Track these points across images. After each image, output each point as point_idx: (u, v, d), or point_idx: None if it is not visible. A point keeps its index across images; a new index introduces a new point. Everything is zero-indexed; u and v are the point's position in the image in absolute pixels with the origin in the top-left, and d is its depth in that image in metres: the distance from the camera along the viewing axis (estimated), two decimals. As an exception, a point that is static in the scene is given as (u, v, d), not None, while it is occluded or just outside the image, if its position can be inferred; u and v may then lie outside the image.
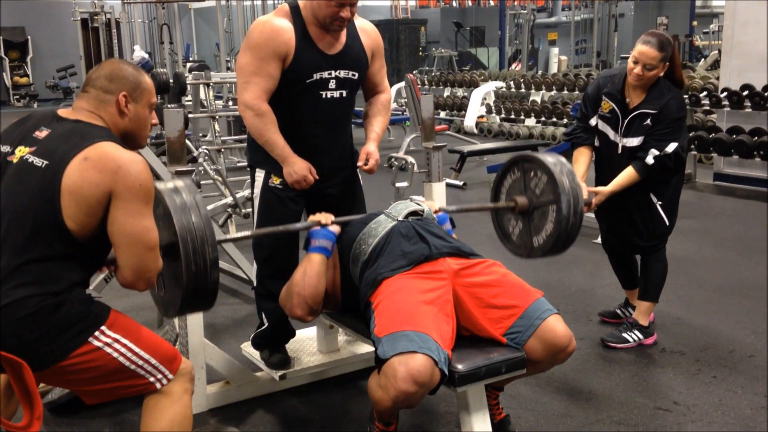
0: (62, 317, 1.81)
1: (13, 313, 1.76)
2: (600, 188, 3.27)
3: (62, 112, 1.98)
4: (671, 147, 3.15)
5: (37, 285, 1.79)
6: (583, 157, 3.38)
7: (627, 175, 3.21)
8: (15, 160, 1.88)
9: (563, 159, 2.64)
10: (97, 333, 1.86)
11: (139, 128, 2.03)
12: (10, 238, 1.81)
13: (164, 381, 1.97)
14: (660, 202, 3.28)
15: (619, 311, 3.69)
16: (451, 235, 2.60)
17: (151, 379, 1.94)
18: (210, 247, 1.93)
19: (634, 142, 3.22)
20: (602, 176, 3.37)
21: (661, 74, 3.17)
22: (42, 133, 1.90)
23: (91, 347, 1.84)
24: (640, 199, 3.28)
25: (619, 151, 3.28)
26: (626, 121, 3.24)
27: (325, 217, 2.49)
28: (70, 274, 1.84)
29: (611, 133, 3.30)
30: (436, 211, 2.63)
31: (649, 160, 3.15)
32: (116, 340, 1.88)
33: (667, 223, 3.32)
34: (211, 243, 1.94)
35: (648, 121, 3.18)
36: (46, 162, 1.83)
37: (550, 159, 2.62)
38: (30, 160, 1.85)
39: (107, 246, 1.89)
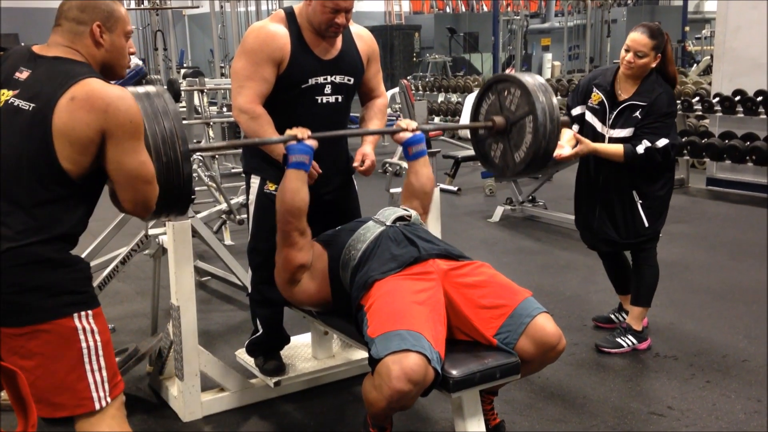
0: (65, 277, 1.81)
1: (17, 257, 1.75)
2: (585, 140, 3.26)
3: (37, 48, 1.93)
4: (662, 142, 3.17)
5: (41, 230, 1.78)
6: (565, 132, 3.38)
7: (614, 148, 3.21)
8: None
9: (536, 75, 2.70)
10: (82, 313, 1.83)
11: (116, 58, 1.98)
12: (6, 183, 1.80)
13: (103, 402, 1.88)
14: (641, 202, 3.29)
15: (612, 316, 3.70)
16: (425, 155, 2.69)
17: (94, 395, 1.86)
18: (180, 141, 1.96)
19: (622, 133, 3.24)
20: (586, 167, 3.39)
21: (653, 65, 3.19)
22: (23, 75, 1.86)
23: (71, 324, 1.81)
24: (623, 195, 3.30)
25: (606, 142, 3.29)
26: (615, 113, 3.25)
27: (301, 132, 2.50)
28: (70, 216, 1.84)
29: (598, 125, 3.32)
30: (413, 130, 2.68)
31: (640, 149, 3.16)
32: (92, 332, 1.85)
33: (646, 225, 3.30)
34: (182, 137, 1.97)
35: (637, 113, 3.20)
36: (32, 105, 1.80)
37: (522, 75, 2.67)
38: (16, 104, 1.82)
39: (101, 182, 1.90)
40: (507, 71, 15.98)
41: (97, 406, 1.87)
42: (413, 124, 2.71)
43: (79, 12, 1.91)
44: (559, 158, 3.25)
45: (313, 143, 2.50)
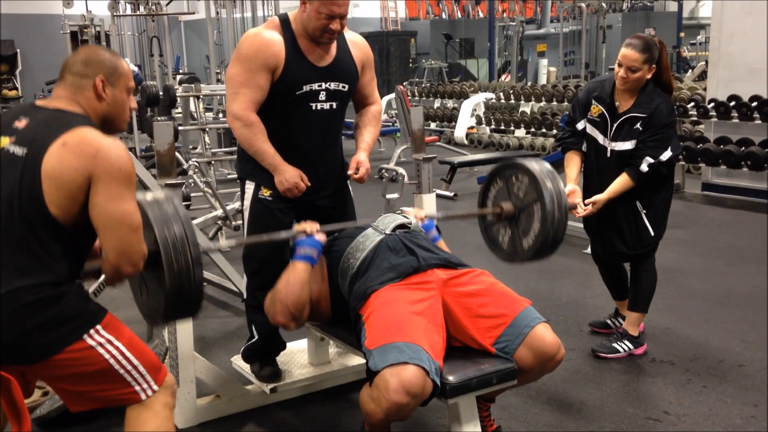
0: (61, 310, 1.82)
1: (11, 302, 1.77)
2: (596, 197, 3.27)
3: (40, 102, 1.98)
4: (665, 155, 3.17)
5: (32, 275, 1.79)
6: (573, 161, 3.41)
7: (622, 181, 3.22)
8: None
9: (542, 161, 2.71)
10: (92, 331, 1.86)
11: (117, 112, 2.01)
12: (2, 228, 1.81)
13: (149, 392, 1.96)
14: (645, 212, 3.29)
15: (609, 321, 3.69)
16: (438, 242, 2.61)
17: (137, 387, 1.94)
18: (191, 246, 1.93)
19: (624, 146, 3.24)
20: (590, 180, 3.39)
21: (648, 77, 3.19)
22: (21, 123, 1.89)
23: (85, 345, 1.84)
24: (627, 207, 3.30)
25: (608, 155, 3.29)
26: (615, 125, 3.25)
27: (310, 226, 2.49)
28: (61, 264, 1.84)
29: (600, 137, 3.32)
30: (422, 219, 2.65)
31: (644, 167, 3.17)
32: (109, 341, 1.88)
33: (652, 234, 3.31)
34: (192, 242, 1.94)
35: (638, 125, 3.20)
36: (25, 150, 1.82)
37: (529, 162, 2.68)
38: (11, 150, 1.84)
39: (93, 233, 1.89)
40: (503, 77, 16.02)
41: (144, 396, 1.95)
42: (421, 213, 2.68)
43: (83, 66, 1.96)
44: (577, 215, 3.29)
45: (321, 238, 2.48)
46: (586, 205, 3.28)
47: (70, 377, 1.87)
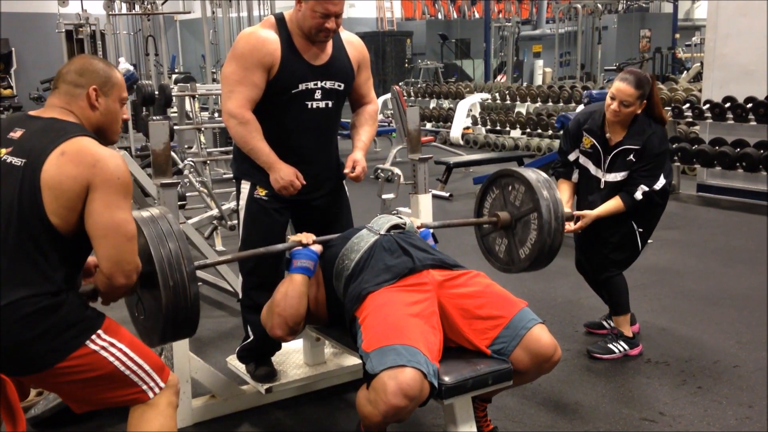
0: (61, 318, 1.82)
1: (12, 313, 1.77)
2: (586, 212, 3.31)
3: (34, 112, 1.99)
4: (659, 184, 3.24)
5: (31, 285, 1.80)
6: (564, 187, 3.46)
7: (614, 204, 3.27)
8: None
9: (539, 170, 2.71)
10: (93, 336, 1.87)
11: (110, 122, 2.03)
12: (2, 238, 1.82)
13: (156, 389, 1.97)
14: (640, 230, 3.35)
15: (604, 322, 3.70)
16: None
17: (144, 387, 1.95)
18: (186, 262, 1.94)
19: (617, 177, 3.29)
20: (583, 208, 3.41)
21: (638, 111, 3.23)
22: (17, 134, 1.90)
23: (88, 350, 1.85)
24: (621, 224, 3.33)
25: (602, 186, 3.34)
26: (609, 158, 3.30)
27: (306, 237, 2.49)
28: (59, 274, 1.85)
29: (592, 168, 3.37)
30: (418, 227, 2.64)
31: (638, 195, 3.22)
32: (112, 344, 1.89)
33: (640, 249, 3.39)
34: (187, 257, 1.94)
35: (631, 157, 3.25)
36: (23, 160, 1.83)
37: (525, 171, 2.68)
38: (8, 161, 1.85)
39: (89, 243, 1.89)
40: (498, 78, 16.03)
41: (151, 395, 1.96)
42: (418, 222, 2.69)
43: (77, 76, 1.97)
44: (567, 231, 3.28)
45: (317, 248, 2.49)
46: (576, 220, 3.32)
47: (77, 383, 1.88)
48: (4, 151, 1.88)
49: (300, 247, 2.46)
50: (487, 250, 2.89)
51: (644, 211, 3.32)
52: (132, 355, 1.92)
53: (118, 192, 1.83)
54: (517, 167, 2.76)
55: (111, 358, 1.88)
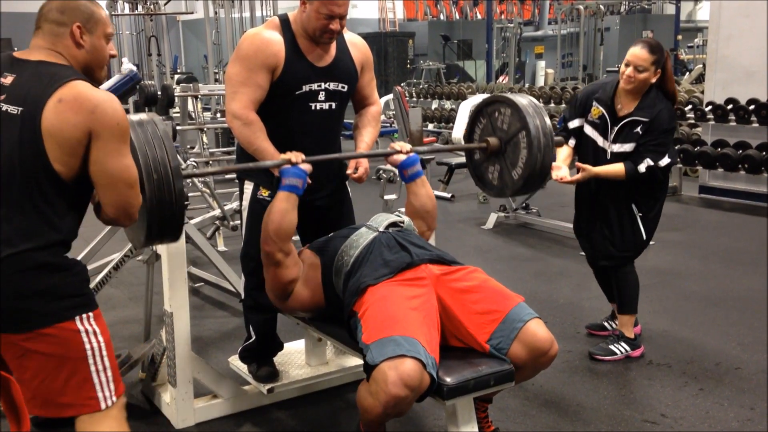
0: (63, 281, 1.81)
1: (16, 264, 1.76)
2: (587, 166, 3.28)
3: (19, 53, 1.94)
4: (664, 161, 3.20)
5: (38, 235, 1.79)
6: (563, 148, 3.43)
7: (616, 168, 3.23)
8: None
9: (525, 94, 2.76)
10: (84, 315, 1.85)
11: (97, 59, 1.98)
12: (2, 189, 1.80)
13: (109, 401, 1.90)
14: (641, 214, 3.31)
15: (606, 324, 3.70)
16: (421, 177, 2.70)
17: (99, 394, 1.88)
18: (171, 158, 2.01)
19: (623, 148, 3.25)
20: (587, 182, 3.38)
21: (653, 80, 3.19)
22: (7, 80, 1.86)
23: (74, 327, 1.83)
24: (622, 209, 3.31)
25: (608, 156, 3.30)
26: (617, 129, 3.26)
27: (295, 156, 2.52)
28: (65, 221, 1.84)
29: (599, 139, 3.33)
30: (408, 152, 2.69)
31: (642, 168, 3.18)
32: (95, 333, 1.86)
33: (645, 237, 3.34)
34: (172, 155, 2.02)
35: (638, 129, 3.21)
36: (20, 108, 1.81)
37: (510, 94, 2.72)
38: (4, 108, 1.83)
39: (91, 188, 1.89)
40: (500, 79, 16.02)
41: (103, 406, 1.89)
42: (407, 147, 2.72)
43: (59, 14, 1.91)
44: (560, 181, 3.31)
45: (307, 167, 2.52)
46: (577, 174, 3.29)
47: (44, 357, 1.82)
48: None
49: (289, 165, 2.49)
50: (480, 179, 2.92)
51: (643, 193, 3.28)
52: (105, 353, 1.88)
53: (118, 138, 1.83)
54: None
55: (87, 346, 1.84)
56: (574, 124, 3.42)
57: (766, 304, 4.05)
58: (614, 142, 3.27)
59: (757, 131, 6.51)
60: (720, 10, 6.94)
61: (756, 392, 3.08)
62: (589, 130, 3.37)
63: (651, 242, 3.47)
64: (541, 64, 17.62)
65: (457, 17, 22.13)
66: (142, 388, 3.14)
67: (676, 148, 6.74)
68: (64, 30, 1.90)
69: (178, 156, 5.09)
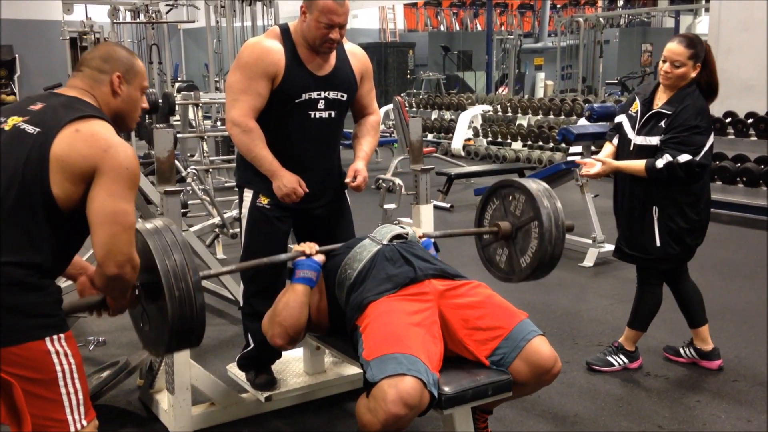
0: (37, 301, 1.79)
1: None
2: (608, 159, 3.27)
3: (58, 90, 2.00)
4: (683, 158, 3.07)
5: (19, 252, 1.78)
6: (606, 145, 3.44)
7: (636, 164, 3.17)
8: (7, 128, 1.89)
9: (539, 180, 2.73)
10: (55, 337, 1.81)
11: (130, 109, 2.04)
12: (1, 201, 1.80)
13: (78, 425, 1.86)
14: (659, 219, 3.20)
15: (681, 350, 3.56)
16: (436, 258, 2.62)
17: (69, 417, 1.84)
18: (191, 272, 1.92)
19: (646, 141, 3.19)
20: (622, 176, 3.34)
21: (693, 75, 3.14)
22: (36, 107, 1.91)
23: (43, 348, 1.79)
24: (644, 207, 3.23)
25: (631, 148, 3.26)
26: (643, 120, 3.23)
27: (309, 248, 2.49)
28: (47, 246, 1.83)
29: (629, 132, 3.29)
30: (420, 237, 2.65)
31: (659, 163, 3.09)
32: (66, 354, 1.83)
33: (657, 245, 3.22)
34: (192, 268, 1.93)
35: (662, 123, 3.15)
36: (38, 129, 1.83)
37: (525, 181, 2.70)
38: (22, 127, 1.85)
39: (84, 230, 1.87)
40: (500, 90, 16.07)
41: (72, 429, 1.84)
42: (420, 231, 2.69)
43: (102, 62, 1.98)
44: (586, 176, 3.34)
45: (320, 258, 2.49)
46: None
47: (10, 377, 1.78)
48: (20, 118, 1.88)
49: (303, 258, 2.48)
50: (488, 260, 2.91)
51: (669, 195, 3.17)
52: (76, 375, 1.84)
53: (124, 182, 1.82)
54: (517, 178, 2.77)
55: (58, 368, 1.81)
56: (617, 119, 3.40)
57: (766, 318, 4.05)
58: (639, 134, 3.23)
59: (755, 144, 6.53)
60: (719, 23, 6.98)
61: (753, 405, 3.08)
62: (625, 122, 3.33)
63: (675, 256, 3.31)
64: (541, 75, 17.67)
65: (458, 28, 22.22)
66: (140, 395, 3.14)
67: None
68: (104, 77, 1.97)
69: (179, 163, 5.09)
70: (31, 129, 1.84)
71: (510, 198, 2.74)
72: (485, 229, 2.83)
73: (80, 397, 1.85)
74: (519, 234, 2.71)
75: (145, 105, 2.10)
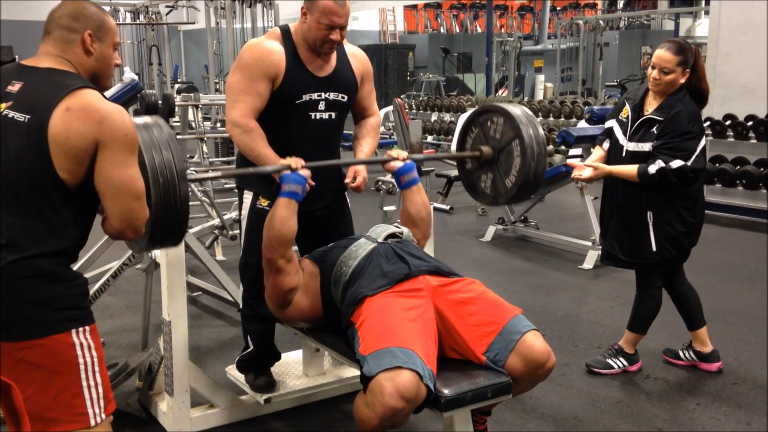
0: (64, 293, 1.80)
1: (18, 270, 1.74)
2: (600, 164, 3.27)
3: (27, 61, 1.93)
4: (676, 163, 3.07)
5: (44, 242, 1.78)
6: (597, 149, 3.45)
7: (629, 169, 3.17)
8: None
9: (517, 104, 2.75)
10: (80, 329, 1.82)
11: (104, 68, 1.98)
12: (6, 196, 1.79)
13: (98, 418, 1.86)
14: (654, 224, 3.20)
15: (681, 353, 3.56)
16: (417, 184, 2.72)
17: (89, 410, 1.84)
18: (177, 161, 1.99)
19: (640, 147, 3.18)
20: (612, 181, 3.35)
21: (682, 80, 3.14)
22: (15, 87, 1.85)
23: (69, 340, 1.80)
24: (639, 213, 3.22)
25: (623, 154, 3.26)
26: (635, 126, 3.23)
27: (295, 161, 2.52)
28: (70, 231, 1.84)
29: (621, 138, 3.29)
30: (404, 159, 2.70)
31: (652, 169, 3.09)
32: (90, 348, 1.84)
33: (654, 249, 3.22)
34: (178, 157, 1.99)
35: (654, 129, 3.15)
36: (27, 116, 1.80)
37: (502, 104, 2.73)
38: (11, 116, 1.82)
39: (96, 199, 1.87)
40: (500, 92, 16.07)
41: (93, 423, 1.85)
42: (404, 154, 2.73)
43: (71, 20, 1.90)
44: (578, 179, 3.33)
45: (306, 173, 2.52)
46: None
47: (33, 369, 1.79)
48: (4, 105, 1.84)
49: (288, 172, 2.49)
50: (471, 187, 2.92)
51: (664, 199, 3.16)
52: (97, 369, 1.85)
53: (126, 149, 1.81)
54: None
55: (81, 360, 1.82)
56: (608, 124, 3.41)
57: (766, 320, 4.05)
58: (630, 140, 3.23)
59: (755, 147, 6.53)
60: (719, 26, 6.98)
61: (753, 408, 3.08)
62: (616, 128, 3.34)
63: (672, 261, 3.31)
64: (541, 77, 17.69)
65: (458, 30, 22.23)
66: (139, 397, 3.14)
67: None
68: (75, 37, 1.90)
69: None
70: (20, 117, 1.80)
71: (489, 123, 2.76)
72: (467, 153, 2.86)
73: (100, 391, 1.86)
74: (501, 156, 2.73)
75: (119, 61, 2.04)
